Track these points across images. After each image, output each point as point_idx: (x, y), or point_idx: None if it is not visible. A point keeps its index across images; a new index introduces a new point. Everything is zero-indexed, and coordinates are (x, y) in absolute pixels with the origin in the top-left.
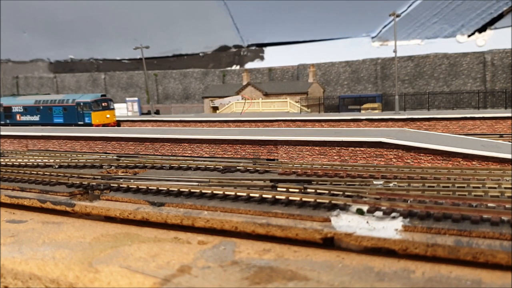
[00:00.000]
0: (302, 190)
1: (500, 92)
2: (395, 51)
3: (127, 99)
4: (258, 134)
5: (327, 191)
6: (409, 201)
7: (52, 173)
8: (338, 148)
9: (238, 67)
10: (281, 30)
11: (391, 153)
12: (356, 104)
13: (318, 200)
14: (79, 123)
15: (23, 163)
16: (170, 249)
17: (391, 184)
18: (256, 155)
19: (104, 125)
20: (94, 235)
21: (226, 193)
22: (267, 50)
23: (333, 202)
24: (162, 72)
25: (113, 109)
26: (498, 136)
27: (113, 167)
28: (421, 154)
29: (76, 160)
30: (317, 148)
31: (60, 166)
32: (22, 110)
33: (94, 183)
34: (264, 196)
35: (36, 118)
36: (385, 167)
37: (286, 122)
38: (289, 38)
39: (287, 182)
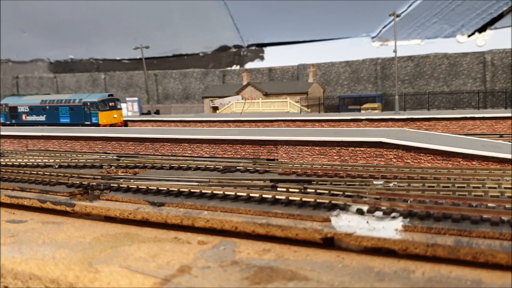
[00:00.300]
0: (302, 190)
1: (500, 92)
2: (395, 51)
3: (127, 99)
4: (258, 134)
5: (327, 191)
6: (409, 201)
7: (52, 173)
8: (338, 148)
9: (238, 67)
10: (281, 30)
11: (391, 153)
12: (356, 104)
13: (318, 200)
14: (86, 123)
15: (23, 163)
16: (170, 249)
17: (391, 184)
18: (256, 155)
19: (111, 125)
20: (94, 235)
21: (226, 193)
22: (267, 50)
23: (333, 202)
24: (162, 72)
25: (120, 109)
26: (498, 136)
27: (113, 167)
28: (421, 154)
29: (76, 160)
30: (317, 148)
31: (60, 166)
32: (28, 110)
33: (94, 183)
34: (264, 196)
35: (42, 118)
36: (385, 167)
37: (286, 122)
38: (289, 38)
39: (287, 182)
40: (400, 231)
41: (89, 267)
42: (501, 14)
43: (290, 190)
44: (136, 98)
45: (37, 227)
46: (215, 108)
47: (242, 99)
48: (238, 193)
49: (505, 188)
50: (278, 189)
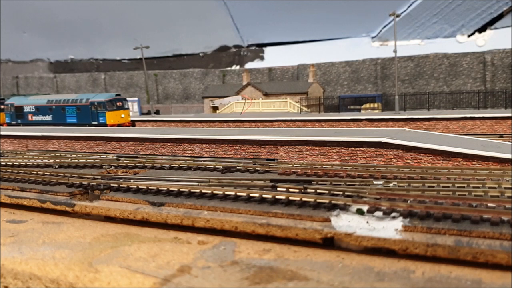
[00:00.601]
0: (302, 190)
1: (500, 92)
2: (395, 51)
3: (127, 99)
4: (258, 134)
5: (327, 191)
6: (409, 201)
7: (52, 173)
8: (338, 148)
9: (238, 67)
10: (281, 30)
11: (391, 153)
12: (356, 104)
13: (318, 200)
14: (93, 123)
15: (23, 163)
16: (170, 249)
17: (391, 184)
18: (256, 155)
19: (118, 125)
20: (94, 235)
21: (226, 193)
22: (267, 50)
23: (333, 202)
24: (162, 72)
25: (128, 108)
26: (498, 136)
27: (113, 167)
28: (421, 154)
29: (76, 160)
30: (317, 148)
31: (60, 166)
32: (34, 110)
33: (94, 183)
34: (264, 196)
35: (48, 118)
36: (385, 167)
37: (286, 122)
38: (289, 38)
39: (287, 182)
40: (400, 231)
41: (89, 267)
42: (501, 14)
43: (290, 190)
44: (136, 98)
45: (37, 227)
46: (215, 108)
47: (242, 99)
48: (238, 193)
49: (505, 188)
50: (278, 189)
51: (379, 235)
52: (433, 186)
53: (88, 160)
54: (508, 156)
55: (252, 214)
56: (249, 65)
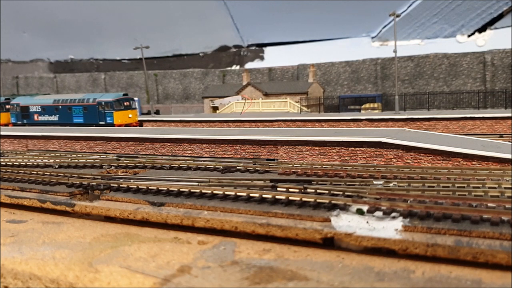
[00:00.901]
0: (302, 190)
1: (500, 92)
2: (395, 51)
3: None
4: (258, 134)
5: (327, 191)
6: (409, 201)
7: (52, 173)
8: (338, 148)
9: (238, 67)
10: (281, 30)
11: (391, 153)
12: (356, 104)
13: (318, 200)
14: (100, 123)
15: (23, 163)
16: (170, 249)
17: (391, 184)
18: (256, 155)
19: (126, 125)
20: (94, 235)
21: (226, 193)
22: (267, 50)
23: (333, 202)
24: (162, 72)
25: (135, 108)
26: (498, 136)
27: (113, 167)
28: (421, 154)
29: (76, 160)
30: (317, 148)
31: (60, 166)
32: (40, 110)
33: (94, 183)
34: (264, 196)
35: (54, 118)
36: (385, 167)
37: (286, 122)
38: (289, 38)
39: (287, 182)
40: (400, 231)
41: (89, 267)
42: (501, 14)
43: (290, 190)
44: (136, 98)
45: (37, 227)
46: (215, 108)
47: (242, 99)
48: (238, 193)
49: (505, 188)
50: (278, 189)
51: (379, 235)
52: (433, 186)
53: (88, 160)
54: (508, 156)
55: (252, 214)
56: (249, 65)
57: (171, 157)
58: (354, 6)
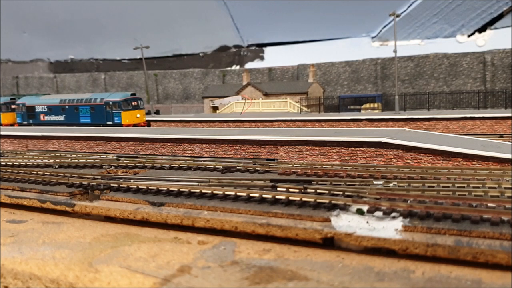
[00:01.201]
0: (302, 190)
1: (500, 92)
2: (395, 51)
3: None
4: (258, 134)
5: (327, 191)
6: (409, 201)
7: (52, 173)
8: (338, 148)
9: (238, 67)
10: (281, 30)
11: (391, 153)
12: (356, 104)
13: (318, 200)
14: (108, 123)
15: (23, 163)
16: (170, 249)
17: (391, 184)
18: (256, 155)
19: (134, 125)
20: (94, 235)
21: (226, 193)
22: (267, 50)
23: (333, 202)
24: (162, 72)
25: (143, 108)
26: (498, 136)
27: (113, 167)
28: (421, 154)
29: (76, 160)
30: (317, 148)
31: (60, 166)
32: (46, 110)
33: (94, 183)
34: (264, 196)
35: (61, 118)
36: (385, 167)
37: (286, 122)
38: (289, 38)
39: (287, 182)
40: (400, 231)
41: (89, 267)
42: (501, 14)
43: (290, 190)
44: None
45: (37, 227)
46: (215, 108)
47: (242, 99)
48: (238, 193)
49: (505, 188)
50: (278, 189)
51: (379, 235)
52: (433, 186)
53: (88, 160)
54: (508, 156)
55: (252, 214)
56: (249, 65)
57: (171, 157)
58: (354, 6)
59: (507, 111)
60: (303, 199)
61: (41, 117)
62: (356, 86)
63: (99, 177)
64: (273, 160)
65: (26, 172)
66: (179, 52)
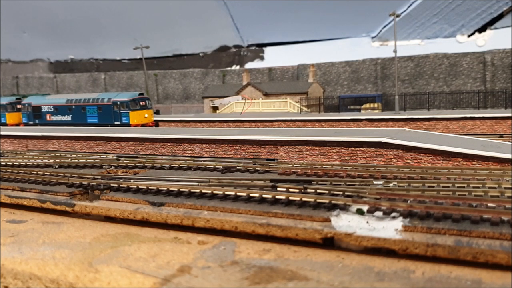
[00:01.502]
0: (302, 190)
1: (500, 92)
2: (395, 51)
3: None
4: (258, 134)
5: (327, 191)
6: (409, 201)
7: (52, 173)
8: (338, 148)
9: (238, 67)
10: (281, 30)
11: (391, 153)
12: (356, 104)
13: (318, 200)
14: (116, 123)
15: (23, 163)
16: (170, 249)
17: (391, 184)
18: (256, 155)
19: (142, 125)
20: (94, 235)
21: (226, 193)
22: (267, 50)
23: (333, 202)
24: (162, 72)
25: (151, 108)
26: (498, 136)
27: (113, 167)
28: (421, 154)
29: (76, 160)
30: (317, 148)
31: (60, 166)
32: (52, 110)
33: (94, 183)
34: (264, 196)
35: (68, 118)
36: (385, 167)
37: (286, 122)
38: (289, 38)
39: (287, 182)
40: (400, 231)
41: (89, 267)
42: (501, 14)
43: (290, 190)
44: None
45: (37, 227)
46: (215, 108)
47: (242, 99)
48: (238, 193)
49: (505, 188)
50: (278, 189)
51: (379, 235)
52: (433, 186)
53: (88, 160)
54: (508, 156)
55: (252, 214)
56: (249, 65)
57: (171, 157)
58: (354, 6)
59: (507, 111)
60: (303, 199)
61: (47, 117)
62: (356, 86)
63: (99, 177)
64: (273, 160)
65: (26, 172)
66: (179, 52)
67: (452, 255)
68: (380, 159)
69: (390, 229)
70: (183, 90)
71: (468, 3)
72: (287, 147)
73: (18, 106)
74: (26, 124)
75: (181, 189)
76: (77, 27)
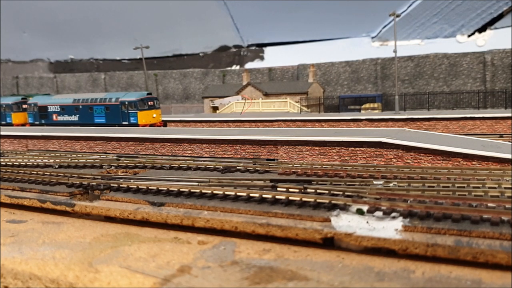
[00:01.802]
0: (302, 190)
1: (500, 92)
2: (395, 51)
3: None
4: (258, 134)
5: (327, 191)
6: (409, 201)
7: (52, 173)
8: (338, 148)
9: (238, 67)
10: (281, 30)
11: (391, 153)
12: (356, 104)
13: (318, 200)
14: (124, 123)
15: (23, 163)
16: (170, 249)
17: (391, 184)
18: (256, 155)
19: (151, 125)
20: (94, 235)
21: (226, 193)
22: (267, 50)
23: (333, 202)
24: (162, 72)
25: (159, 108)
26: (498, 136)
27: (113, 167)
28: (421, 154)
29: (76, 160)
30: (317, 148)
31: (60, 166)
32: (59, 110)
33: (94, 183)
34: (264, 196)
35: (75, 118)
36: (385, 167)
37: (286, 122)
38: (289, 38)
39: (287, 182)
40: (400, 231)
41: (89, 267)
42: (501, 14)
43: (290, 190)
44: None
45: (37, 227)
46: (215, 108)
47: (242, 99)
48: (238, 193)
49: (505, 188)
50: (278, 189)
51: (379, 235)
52: (433, 186)
53: (88, 160)
54: (508, 156)
55: (252, 214)
56: (249, 65)
57: (171, 157)
58: (354, 6)
59: (507, 111)
60: (303, 199)
61: (54, 117)
62: (356, 86)
63: (99, 177)
64: (273, 160)
65: (26, 172)
66: (179, 52)
67: (452, 255)
68: (380, 159)
69: (390, 229)
70: (183, 90)
71: (468, 3)
72: (287, 147)
73: (24, 106)
74: (32, 124)
75: (181, 189)
76: (77, 27)
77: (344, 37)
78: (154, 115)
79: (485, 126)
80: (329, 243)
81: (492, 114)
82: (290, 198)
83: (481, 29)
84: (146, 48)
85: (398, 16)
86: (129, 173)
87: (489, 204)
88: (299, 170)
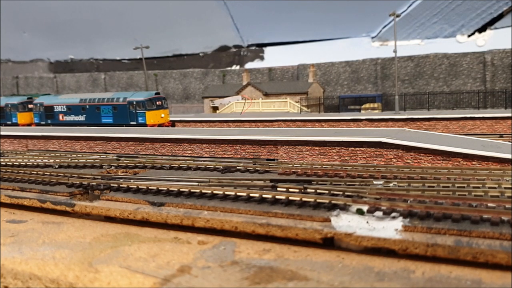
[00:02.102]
0: (302, 190)
1: (500, 92)
2: (395, 51)
3: None
4: (258, 134)
5: (327, 191)
6: (409, 201)
7: (52, 173)
8: (338, 148)
9: (238, 67)
10: (281, 30)
11: (391, 153)
12: (356, 104)
13: (318, 200)
14: (132, 123)
15: (23, 163)
16: (170, 249)
17: (391, 184)
18: (256, 155)
19: (159, 126)
20: (94, 235)
21: (226, 193)
22: (267, 50)
23: (333, 202)
24: (162, 72)
25: (167, 108)
26: (498, 136)
27: (113, 167)
28: (421, 154)
29: (76, 160)
30: (317, 148)
31: (60, 166)
32: (65, 110)
33: (94, 183)
34: (264, 196)
35: (81, 118)
36: (385, 167)
37: (286, 122)
38: (289, 38)
39: (287, 182)
40: (400, 231)
41: (89, 267)
42: (501, 14)
43: (290, 190)
44: None
45: (37, 227)
46: (215, 108)
47: (242, 99)
48: (238, 193)
49: (505, 188)
50: (278, 189)
51: (379, 235)
52: (433, 186)
53: (88, 160)
54: (508, 156)
55: (252, 214)
56: (249, 65)
57: (171, 157)
58: (354, 6)
59: (507, 111)
60: (303, 199)
61: (60, 117)
62: (356, 86)
63: (99, 177)
64: (273, 160)
65: (26, 172)
66: (179, 52)
67: (452, 255)
68: (380, 159)
69: (390, 229)
70: (183, 90)
71: (468, 3)
72: (287, 147)
73: (30, 106)
74: (38, 124)
75: (181, 189)
76: (77, 27)
77: (344, 37)
78: (162, 115)
79: (485, 126)
80: (329, 243)
81: (492, 114)
82: (290, 198)
83: (481, 29)
84: (146, 48)
85: (398, 16)
86: (129, 173)
87: (489, 204)
88: (299, 170)
